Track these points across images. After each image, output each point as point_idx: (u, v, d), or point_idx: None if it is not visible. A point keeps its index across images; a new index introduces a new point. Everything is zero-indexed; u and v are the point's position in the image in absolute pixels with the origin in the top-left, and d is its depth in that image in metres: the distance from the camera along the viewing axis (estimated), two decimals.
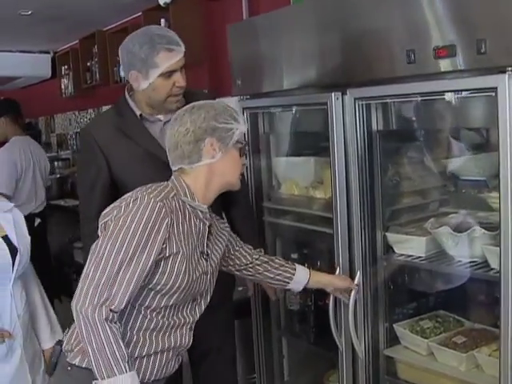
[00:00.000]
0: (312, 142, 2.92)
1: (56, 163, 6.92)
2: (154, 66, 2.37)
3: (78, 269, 2.18)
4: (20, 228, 2.50)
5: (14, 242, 2.43)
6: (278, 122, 3.03)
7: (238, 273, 2.42)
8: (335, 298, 2.56)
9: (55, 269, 5.68)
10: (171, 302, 1.99)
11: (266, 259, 2.42)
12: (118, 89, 5.51)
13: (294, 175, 2.98)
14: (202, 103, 2.07)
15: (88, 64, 6.00)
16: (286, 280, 2.43)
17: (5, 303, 2.41)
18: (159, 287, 1.94)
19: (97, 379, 1.80)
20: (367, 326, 2.54)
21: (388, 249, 2.52)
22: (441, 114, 2.34)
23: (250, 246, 2.42)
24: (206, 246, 2.09)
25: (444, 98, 2.10)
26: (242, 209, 2.80)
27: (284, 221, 3.05)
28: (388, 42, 2.22)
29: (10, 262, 2.39)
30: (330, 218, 2.58)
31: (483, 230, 2.19)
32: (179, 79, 2.43)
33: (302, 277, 2.44)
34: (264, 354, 3.16)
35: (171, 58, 2.39)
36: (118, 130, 2.51)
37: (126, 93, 2.58)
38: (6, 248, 2.40)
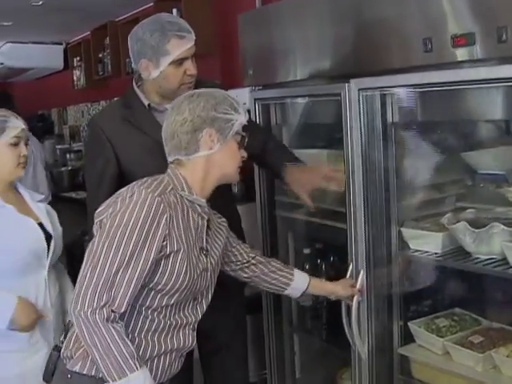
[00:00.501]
0: (325, 133, 2.84)
1: (68, 155, 6.89)
2: (165, 54, 2.31)
3: None
4: (52, 217, 2.57)
5: (49, 229, 2.49)
6: (290, 113, 2.96)
7: (233, 273, 2.32)
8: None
9: (67, 262, 5.63)
10: (172, 301, 1.93)
11: (262, 259, 2.35)
12: (129, 80, 5.36)
13: None
14: (201, 91, 1.99)
15: (100, 55, 5.97)
16: (283, 286, 2.35)
17: (39, 291, 2.43)
18: (160, 287, 1.88)
19: (107, 382, 1.74)
20: (374, 324, 2.47)
21: (403, 245, 2.44)
22: (458, 106, 2.25)
23: (246, 245, 2.35)
24: (206, 242, 2.03)
25: (462, 89, 2.03)
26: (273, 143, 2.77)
27: (296, 215, 2.98)
28: (404, 30, 2.14)
29: (46, 247, 2.44)
30: (343, 213, 2.52)
31: (502, 226, 2.11)
32: (190, 67, 2.37)
33: (300, 283, 2.37)
34: (275, 351, 3.11)
35: (182, 45, 2.33)
36: (126, 120, 2.46)
37: (134, 83, 2.53)
38: (42, 234, 2.45)
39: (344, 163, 2.42)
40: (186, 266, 1.89)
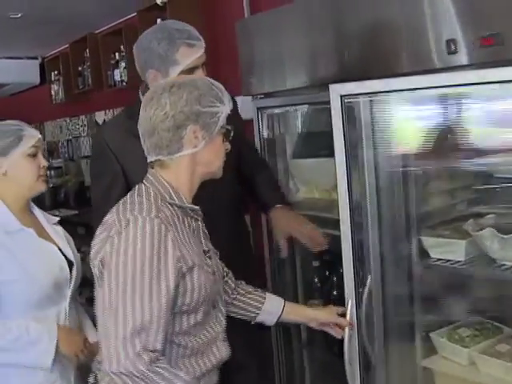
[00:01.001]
0: (332, 141, 2.76)
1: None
2: (174, 64, 2.20)
3: None
4: (70, 242, 2.38)
5: (69, 255, 2.31)
6: (294, 121, 2.88)
7: None
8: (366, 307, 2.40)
9: None
10: (199, 318, 1.80)
11: (231, 281, 2.15)
12: (112, 93, 5.38)
13: (313, 178, 2.83)
14: (182, 81, 1.79)
15: (79, 69, 5.83)
16: (254, 310, 2.15)
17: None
18: (184, 308, 1.75)
19: None
20: (395, 337, 2.40)
21: (423, 253, 2.36)
22: (474, 108, 2.19)
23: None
24: (205, 244, 1.90)
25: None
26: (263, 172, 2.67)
27: None
28: (423, 32, 2.07)
29: (69, 275, 2.27)
30: (356, 223, 2.43)
31: None
32: (201, 76, 2.25)
33: (274, 307, 2.16)
34: (285, 366, 3.02)
35: (192, 53, 2.23)
36: (131, 133, 2.33)
37: (140, 94, 2.41)
38: (66, 261, 2.27)
39: (358, 171, 2.35)
40: (203, 278, 1.77)
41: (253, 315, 2.16)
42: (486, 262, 2.21)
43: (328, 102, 2.24)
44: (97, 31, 5.50)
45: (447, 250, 2.29)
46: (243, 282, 2.19)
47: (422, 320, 2.43)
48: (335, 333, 2.22)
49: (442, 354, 2.38)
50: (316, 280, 2.89)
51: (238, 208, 2.57)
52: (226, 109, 1.80)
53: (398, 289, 2.37)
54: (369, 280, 2.32)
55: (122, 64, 5.02)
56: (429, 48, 2.04)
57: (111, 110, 5.81)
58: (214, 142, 1.81)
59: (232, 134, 1.85)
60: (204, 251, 1.85)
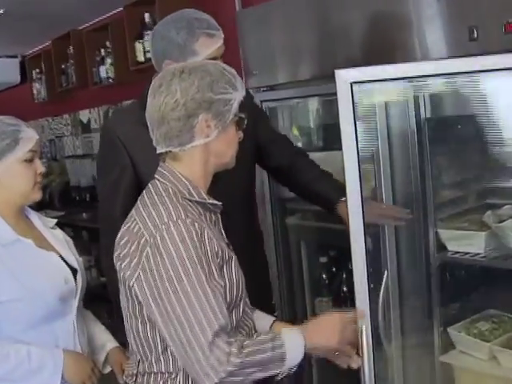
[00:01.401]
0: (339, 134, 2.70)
1: None
2: (192, 54, 2.10)
3: None
4: (70, 245, 2.18)
5: (72, 263, 2.11)
6: (299, 114, 2.81)
7: None
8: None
9: None
10: (240, 313, 1.73)
11: None
12: (97, 91, 5.26)
13: None
14: (193, 65, 1.68)
15: (62, 66, 5.69)
16: None
17: (67, 340, 2.03)
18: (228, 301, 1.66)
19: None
20: (414, 333, 2.35)
21: (440, 247, 2.32)
22: (492, 96, 2.15)
23: None
24: (226, 237, 1.79)
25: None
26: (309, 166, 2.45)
27: (311, 222, 2.83)
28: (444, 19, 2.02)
29: (74, 286, 2.06)
30: None
31: None
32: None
33: (261, 325, 1.89)
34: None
35: (212, 44, 2.13)
36: (142, 124, 2.24)
37: None
38: (70, 271, 2.07)
39: (374, 166, 2.29)
40: (235, 268, 1.70)
41: None
42: (506, 253, 2.17)
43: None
44: (81, 27, 5.36)
45: (466, 242, 2.24)
46: None
47: (439, 314, 2.38)
48: (340, 361, 1.79)
49: (460, 348, 2.34)
50: (324, 276, 2.83)
51: (252, 205, 2.49)
52: (239, 95, 1.68)
53: (415, 283, 2.32)
54: (385, 275, 2.26)
55: (108, 60, 4.89)
56: (449, 35, 1.99)
57: (96, 109, 5.68)
58: (227, 132, 1.69)
59: (246, 123, 1.74)
60: (227, 244, 1.74)
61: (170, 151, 1.69)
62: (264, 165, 2.47)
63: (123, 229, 1.69)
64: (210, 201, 1.71)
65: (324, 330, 1.73)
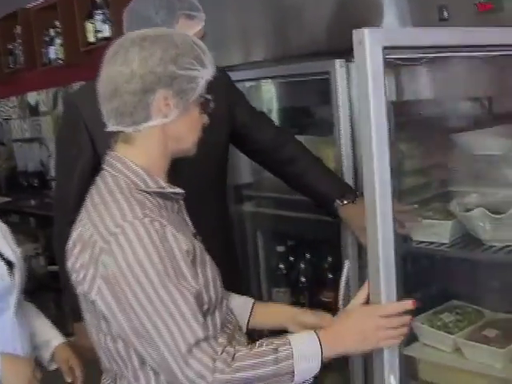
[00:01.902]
0: (301, 118, 2.61)
1: None
2: None
3: None
4: (7, 236, 1.97)
5: (7, 254, 1.91)
6: (257, 97, 2.69)
7: None
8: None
9: None
10: (223, 311, 1.55)
11: None
12: (46, 72, 5.08)
13: None
14: (158, 34, 1.47)
15: (10, 47, 5.48)
16: None
17: (6, 339, 1.85)
18: (205, 308, 1.46)
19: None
20: None
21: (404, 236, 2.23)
22: (458, 80, 2.07)
23: None
24: (191, 226, 1.62)
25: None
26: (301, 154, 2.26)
27: (268, 209, 2.73)
28: None
29: (10, 281, 1.87)
30: None
31: None
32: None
33: (239, 308, 1.73)
34: None
35: (192, 26, 1.96)
36: None
37: None
38: (4, 265, 1.88)
39: (335, 152, 2.20)
40: (208, 262, 1.51)
41: None
42: (472, 243, 2.10)
43: (313, 74, 2.10)
44: (28, 6, 5.16)
45: (431, 232, 2.16)
46: None
47: None
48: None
49: (423, 341, 2.26)
50: (281, 266, 2.74)
51: (225, 191, 2.33)
52: (207, 74, 1.47)
53: None
54: (346, 267, 2.17)
55: (58, 41, 4.74)
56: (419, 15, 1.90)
57: (45, 91, 5.49)
58: (189, 113, 1.48)
59: (212, 106, 1.55)
60: (193, 234, 1.57)
61: (123, 132, 1.48)
62: (245, 149, 2.32)
63: (74, 234, 1.48)
64: (170, 190, 1.51)
65: (354, 331, 1.45)
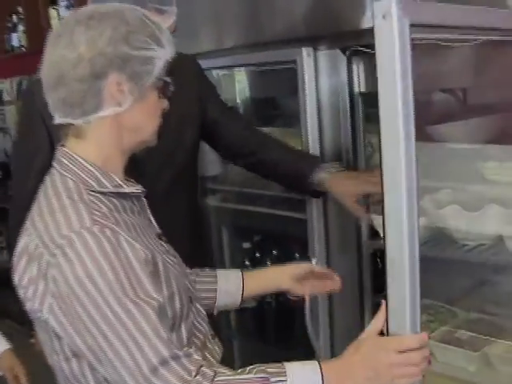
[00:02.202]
0: (269, 109, 2.50)
1: None
2: None
3: None
4: None
5: None
6: (225, 87, 2.57)
7: None
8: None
9: None
10: (189, 322, 1.40)
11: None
12: (8, 60, 4.92)
13: None
14: (105, 10, 1.28)
15: None
16: (211, 295, 1.68)
17: None
18: (170, 314, 1.32)
19: None
20: (343, 326, 2.18)
21: (374, 234, 2.14)
22: (432, 69, 1.97)
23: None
24: (155, 224, 1.48)
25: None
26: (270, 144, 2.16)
27: (234, 204, 2.62)
28: None
29: None
30: (294, 200, 2.20)
31: (498, 208, 1.85)
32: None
33: (231, 282, 1.69)
34: None
35: (163, 21, 1.80)
36: None
37: None
38: None
39: (302, 144, 2.09)
40: (170, 268, 1.36)
41: (210, 302, 1.67)
42: (445, 241, 2.00)
43: (279, 63, 1.99)
44: None
45: None
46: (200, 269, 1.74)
47: (371, 306, 2.21)
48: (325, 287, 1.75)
49: None
50: (247, 263, 2.63)
51: (197, 183, 2.22)
52: (165, 54, 1.31)
53: (346, 272, 2.14)
54: (313, 263, 2.08)
55: (21, 27, 4.60)
56: None
57: (9, 79, 5.31)
58: (146, 100, 1.32)
59: (172, 89, 1.38)
60: (157, 234, 1.44)
61: (72, 124, 1.31)
62: (212, 144, 2.21)
63: (20, 245, 1.31)
64: (128, 189, 1.35)
65: (365, 366, 1.25)
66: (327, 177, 1.99)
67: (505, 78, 1.96)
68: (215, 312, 1.71)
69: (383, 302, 1.29)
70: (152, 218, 1.47)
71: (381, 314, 1.30)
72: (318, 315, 2.18)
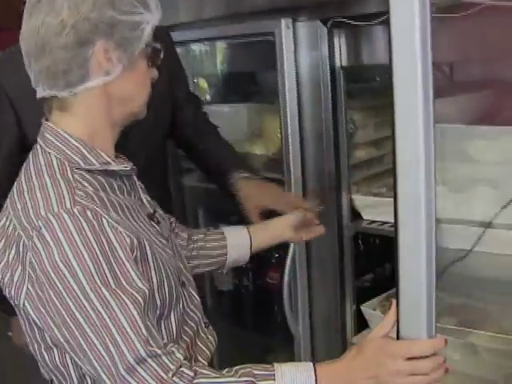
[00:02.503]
0: (246, 85, 2.40)
1: None
2: None
3: None
4: None
5: None
6: (193, 62, 2.45)
7: None
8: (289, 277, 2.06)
9: None
10: (179, 310, 1.31)
11: (184, 229, 1.66)
12: None
13: (222, 127, 2.43)
14: None
15: None
16: (221, 252, 1.65)
17: None
18: (158, 303, 1.24)
19: None
20: (322, 311, 2.10)
21: (355, 214, 2.05)
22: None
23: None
24: (147, 204, 1.40)
25: None
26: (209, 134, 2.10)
27: (210, 184, 2.50)
28: None
29: None
30: (274, 180, 2.10)
31: (487, 188, 1.76)
32: None
33: (239, 237, 1.68)
34: None
35: None
36: None
37: None
38: None
39: (280, 121, 1.99)
40: (159, 252, 1.27)
41: (222, 259, 1.66)
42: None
43: (256, 35, 1.89)
44: None
45: (384, 210, 1.98)
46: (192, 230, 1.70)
47: (352, 290, 2.13)
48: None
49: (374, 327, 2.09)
50: None
51: (166, 169, 2.14)
52: (153, 18, 1.23)
53: (326, 255, 2.06)
54: (291, 246, 2.00)
55: None
56: None
57: None
58: (136, 68, 1.24)
59: (161, 56, 1.31)
60: (149, 215, 1.35)
61: (56, 97, 1.22)
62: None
63: None
64: (115, 167, 1.26)
65: (365, 373, 1.15)
66: (241, 180, 1.95)
67: (495, 52, 1.87)
68: (225, 271, 1.71)
69: (393, 301, 1.19)
70: (144, 198, 1.39)
71: (391, 314, 1.20)
72: (297, 300, 2.09)
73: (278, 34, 1.90)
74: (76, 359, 1.17)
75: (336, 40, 1.90)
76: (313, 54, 1.91)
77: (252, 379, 1.13)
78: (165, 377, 1.10)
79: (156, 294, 1.22)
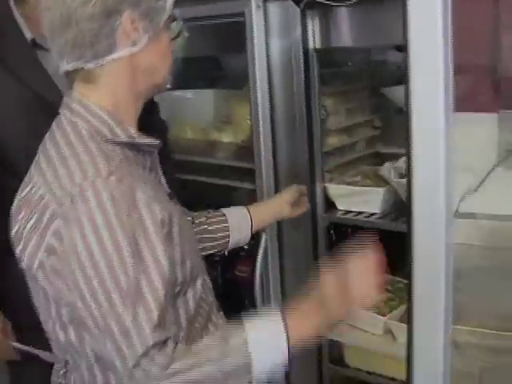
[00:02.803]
0: (213, 69, 2.29)
1: None
2: None
3: None
4: None
5: None
6: None
7: None
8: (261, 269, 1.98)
9: None
10: (198, 289, 1.30)
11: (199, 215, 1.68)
12: None
13: (186, 114, 2.33)
14: None
15: None
16: (224, 234, 1.66)
17: None
18: (177, 289, 1.22)
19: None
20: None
21: (329, 204, 1.97)
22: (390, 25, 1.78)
23: None
24: (164, 184, 1.38)
25: None
26: None
27: (181, 174, 2.40)
28: None
29: None
30: (243, 168, 2.02)
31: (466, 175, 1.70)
32: None
33: (239, 217, 1.69)
34: None
35: None
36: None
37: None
38: None
39: (250, 107, 1.90)
40: (185, 230, 1.25)
41: (225, 240, 1.67)
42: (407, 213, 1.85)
43: (226, 16, 1.79)
44: None
45: (359, 200, 1.91)
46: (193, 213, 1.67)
47: None
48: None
49: (350, 322, 2.02)
50: None
51: None
52: None
53: (299, 246, 1.98)
54: (263, 238, 1.91)
55: None
56: None
57: None
58: (160, 39, 1.22)
59: (183, 30, 1.34)
60: (169, 194, 1.33)
61: (82, 69, 1.18)
62: None
63: (19, 197, 1.23)
64: (142, 140, 1.23)
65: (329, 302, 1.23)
66: None
67: (470, 36, 1.80)
68: (226, 252, 1.72)
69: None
70: (162, 177, 1.36)
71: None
72: (269, 292, 2.02)
73: (248, 15, 1.81)
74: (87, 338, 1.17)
75: (309, 21, 1.80)
76: (285, 36, 1.82)
77: (224, 335, 1.17)
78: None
79: (178, 272, 1.20)
